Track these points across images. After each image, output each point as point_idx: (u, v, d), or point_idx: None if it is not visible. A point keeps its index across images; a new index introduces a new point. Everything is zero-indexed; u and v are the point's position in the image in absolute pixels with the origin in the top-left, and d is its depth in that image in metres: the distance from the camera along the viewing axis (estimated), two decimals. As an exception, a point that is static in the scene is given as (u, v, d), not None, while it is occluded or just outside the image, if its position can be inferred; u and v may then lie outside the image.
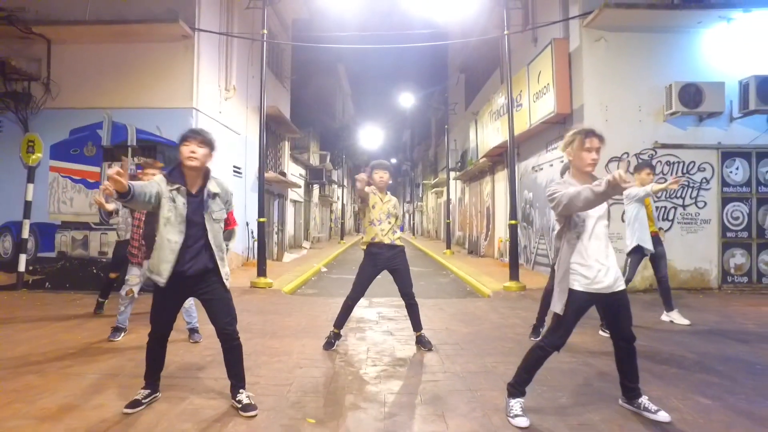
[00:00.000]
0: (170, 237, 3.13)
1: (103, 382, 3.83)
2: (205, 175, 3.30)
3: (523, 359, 3.24)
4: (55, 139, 9.19)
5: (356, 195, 5.02)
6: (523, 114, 11.20)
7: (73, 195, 9.19)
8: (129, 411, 3.21)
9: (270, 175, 14.26)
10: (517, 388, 3.21)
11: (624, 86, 8.98)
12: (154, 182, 3.17)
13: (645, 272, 8.72)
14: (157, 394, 3.45)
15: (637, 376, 3.28)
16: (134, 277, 5.20)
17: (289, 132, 17.25)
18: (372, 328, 5.96)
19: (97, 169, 9.18)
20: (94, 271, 9.05)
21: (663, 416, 3.14)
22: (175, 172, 3.22)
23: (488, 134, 14.91)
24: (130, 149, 9.11)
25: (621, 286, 3.11)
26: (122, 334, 5.25)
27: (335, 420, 3.16)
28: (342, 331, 5.19)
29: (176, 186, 3.18)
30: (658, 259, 6.00)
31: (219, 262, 3.27)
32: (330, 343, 4.98)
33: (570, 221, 3.13)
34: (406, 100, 24.65)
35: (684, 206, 8.99)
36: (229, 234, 3.80)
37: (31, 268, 9.09)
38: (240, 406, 3.24)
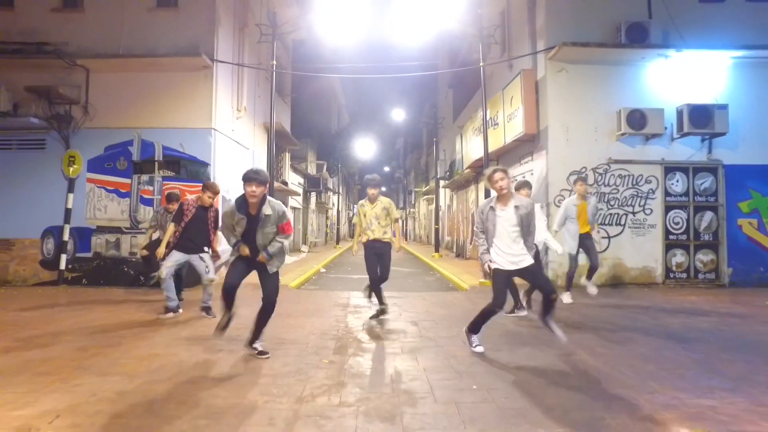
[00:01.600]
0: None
1: (168, 342, 5.26)
2: (262, 201, 4.68)
3: (479, 314, 4.83)
4: (92, 155, 10.60)
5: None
6: (499, 132, 12.74)
7: (107, 203, 10.59)
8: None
9: (274, 184, 15.70)
10: (472, 329, 4.88)
11: (583, 110, 10.51)
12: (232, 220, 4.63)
13: (601, 269, 10.26)
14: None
15: (549, 311, 4.86)
16: (169, 261, 6.58)
17: (289, 144, 18.72)
18: (366, 311, 7.40)
19: (128, 181, 10.59)
20: (125, 269, 10.44)
21: (561, 336, 4.84)
22: (241, 201, 4.62)
23: (472, 147, 16.43)
24: (156, 163, 10.54)
25: (527, 262, 4.73)
26: (170, 314, 6.65)
27: (342, 360, 4.61)
28: (361, 309, 6.95)
29: (242, 216, 4.59)
30: (587, 251, 7.65)
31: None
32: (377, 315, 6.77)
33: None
34: (398, 114, 26.23)
35: (634, 213, 10.50)
36: (284, 237, 4.97)
37: (70, 266, 10.47)
38: (257, 351, 4.71)
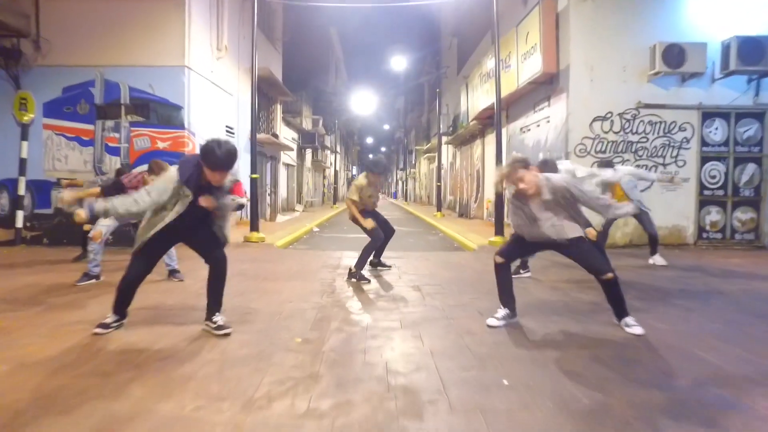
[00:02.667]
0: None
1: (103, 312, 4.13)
2: None
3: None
4: (47, 97, 9.27)
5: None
6: (511, 75, 11.34)
7: (67, 152, 9.33)
8: (99, 331, 3.52)
9: (262, 136, 14.37)
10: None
11: (609, 46, 9.12)
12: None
13: (625, 229, 9.10)
14: (124, 321, 3.69)
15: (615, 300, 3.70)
16: (105, 220, 5.31)
17: (281, 95, 17.26)
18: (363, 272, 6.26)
19: (90, 127, 9.30)
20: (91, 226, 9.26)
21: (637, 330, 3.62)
22: (191, 174, 3.39)
23: (478, 97, 15.02)
24: (123, 107, 9.22)
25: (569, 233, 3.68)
26: (91, 280, 5.42)
27: (320, 339, 3.48)
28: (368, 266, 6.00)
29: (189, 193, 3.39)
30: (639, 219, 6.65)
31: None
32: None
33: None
34: (399, 63, 24.52)
35: (665, 165, 9.26)
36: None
37: (28, 224, 9.30)
38: (215, 326, 3.55)
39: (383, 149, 59.93)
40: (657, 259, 7.00)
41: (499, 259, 3.84)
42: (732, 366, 2.97)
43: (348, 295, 4.96)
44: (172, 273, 5.64)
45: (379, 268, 6.38)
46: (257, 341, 3.40)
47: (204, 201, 3.40)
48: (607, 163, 6.84)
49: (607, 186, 6.37)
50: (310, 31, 24.42)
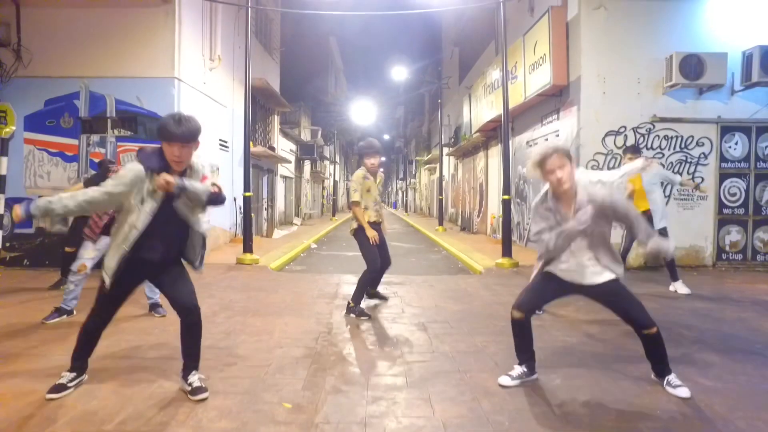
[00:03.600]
0: None
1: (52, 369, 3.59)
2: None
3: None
4: (29, 110, 8.77)
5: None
6: (518, 86, 10.87)
7: (50, 168, 8.82)
8: (53, 396, 2.96)
9: (258, 149, 13.89)
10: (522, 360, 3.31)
11: (623, 57, 8.67)
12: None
13: (639, 249, 8.56)
14: (84, 377, 3.19)
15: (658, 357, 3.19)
16: (89, 251, 4.84)
17: (278, 106, 16.79)
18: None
19: (75, 142, 8.80)
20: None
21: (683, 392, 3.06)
22: (155, 162, 2.87)
23: (482, 108, 14.57)
24: (109, 121, 8.73)
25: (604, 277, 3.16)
26: (63, 317, 4.83)
27: (313, 405, 2.94)
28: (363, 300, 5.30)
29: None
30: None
31: None
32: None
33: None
34: (399, 73, 24.10)
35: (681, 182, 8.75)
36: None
37: (8, 244, 8.76)
38: (190, 389, 3.00)
39: (383, 159, 59.53)
40: (679, 287, 6.46)
41: (518, 314, 3.20)
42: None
43: (346, 337, 4.42)
44: (153, 307, 5.09)
45: (375, 300, 5.76)
46: (239, 408, 2.86)
47: (162, 177, 2.81)
48: (634, 149, 6.31)
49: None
50: (308, 40, 24.08)
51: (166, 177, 2.77)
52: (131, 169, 2.83)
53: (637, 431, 2.63)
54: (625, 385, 3.25)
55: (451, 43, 22.41)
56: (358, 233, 5.12)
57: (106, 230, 4.74)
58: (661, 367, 3.17)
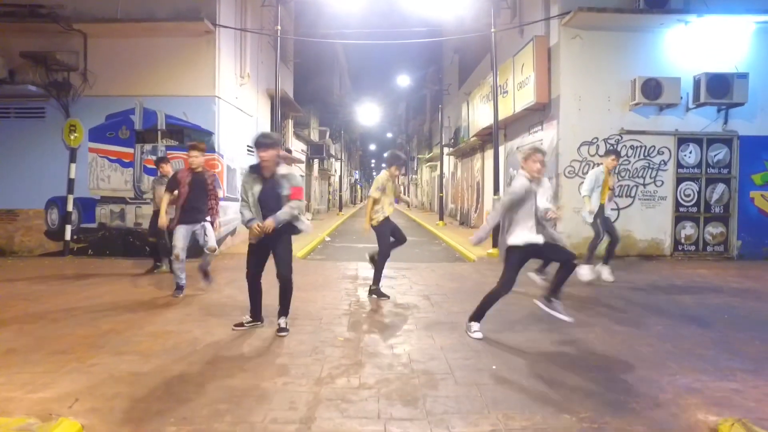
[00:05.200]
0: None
1: (184, 317, 5.23)
2: (276, 165, 4.58)
3: (483, 299, 4.69)
4: (93, 124, 10.38)
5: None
6: (508, 99, 12.45)
7: (110, 173, 10.44)
8: (236, 329, 4.74)
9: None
10: (476, 317, 4.71)
11: (596, 79, 10.22)
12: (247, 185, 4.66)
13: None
14: (258, 322, 4.90)
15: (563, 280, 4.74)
16: (179, 243, 6.24)
17: (292, 111, 18.39)
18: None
19: (130, 150, 10.42)
20: (131, 239, 10.38)
21: (567, 317, 4.69)
22: (255, 167, 4.63)
23: (479, 115, 16.13)
24: (159, 132, 10.35)
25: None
26: (182, 293, 6.50)
27: (357, 338, 4.58)
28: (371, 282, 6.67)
29: (255, 176, 4.60)
30: (606, 222, 7.64)
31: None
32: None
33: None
34: (402, 80, 25.67)
35: (644, 185, 10.35)
36: (295, 205, 4.73)
37: (75, 237, 10.40)
38: (278, 327, 4.67)
39: (385, 155, 60.87)
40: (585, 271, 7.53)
41: (504, 292, 4.53)
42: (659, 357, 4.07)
43: (370, 304, 6.06)
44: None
45: (374, 296, 6.59)
46: (311, 340, 4.50)
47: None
48: (617, 152, 8.02)
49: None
50: (316, 45, 25.56)
51: (270, 222, 4.52)
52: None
53: (564, 355, 4.25)
54: (564, 332, 4.87)
55: (452, 50, 23.93)
56: (378, 227, 6.45)
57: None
58: (556, 293, 4.77)
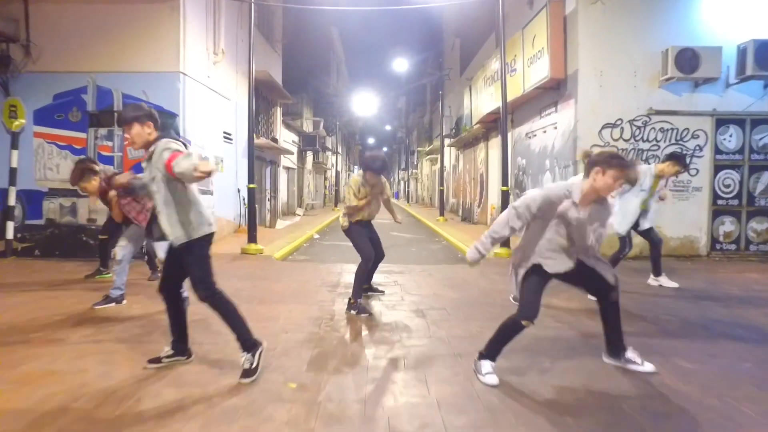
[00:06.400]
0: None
1: (87, 348, 3.83)
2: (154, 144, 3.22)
3: (497, 330, 3.28)
4: (38, 104, 8.97)
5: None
6: (517, 79, 11.02)
7: (59, 161, 9.04)
8: (150, 366, 3.40)
9: (261, 141, 14.09)
10: (488, 354, 3.30)
11: (620, 50, 8.81)
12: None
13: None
14: (181, 357, 3.51)
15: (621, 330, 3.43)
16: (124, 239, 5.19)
17: (281, 97, 16.96)
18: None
19: (83, 135, 9.00)
20: (84, 238, 8.99)
21: (648, 367, 3.33)
22: None
23: (482, 100, 14.71)
24: (116, 114, 8.93)
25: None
26: (113, 304, 5.15)
27: (316, 384, 3.18)
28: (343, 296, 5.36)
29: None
30: (648, 232, 6.16)
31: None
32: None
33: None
34: (401, 65, 24.23)
35: (676, 174, 8.91)
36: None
37: (19, 235, 9.00)
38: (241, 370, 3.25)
39: (385, 149, 59.61)
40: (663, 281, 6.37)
41: (528, 323, 3.11)
42: (775, 423, 2.66)
43: (348, 323, 4.66)
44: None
45: (370, 293, 5.82)
46: (248, 387, 3.10)
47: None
48: (679, 159, 6.05)
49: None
50: (310, 32, 24.11)
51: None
52: None
53: (618, 410, 2.85)
54: (609, 368, 3.47)
55: (453, 34, 22.47)
56: (349, 230, 5.26)
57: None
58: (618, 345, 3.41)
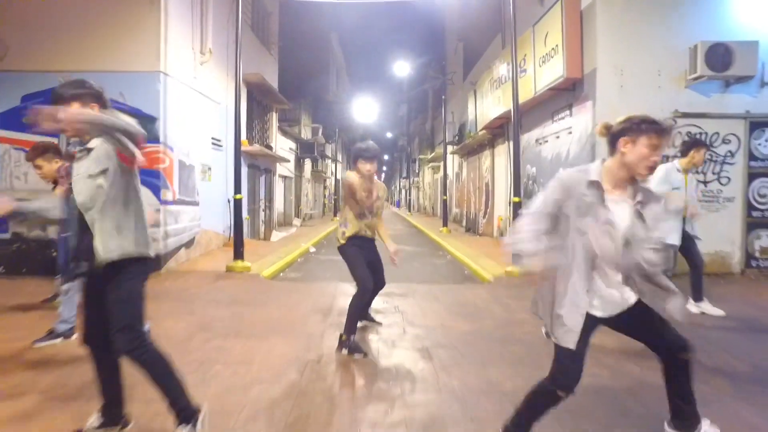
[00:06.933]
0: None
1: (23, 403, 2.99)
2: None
3: (525, 400, 2.39)
4: (4, 107, 8.20)
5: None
6: (527, 80, 10.22)
7: (27, 169, 8.19)
8: None
9: (255, 148, 13.31)
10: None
11: (642, 48, 8.01)
12: None
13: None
14: (112, 427, 2.62)
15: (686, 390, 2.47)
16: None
17: (276, 103, 16.19)
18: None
19: (54, 141, 8.16)
20: (54, 254, 8.14)
21: None
22: None
23: (488, 105, 13.92)
24: (51, 93, 8.14)
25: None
26: (59, 340, 4.33)
27: (289, 473, 2.33)
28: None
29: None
30: (688, 246, 5.30)
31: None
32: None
33: None
34: (402, 68, 23.47)
35: (705, 182, 8.11)
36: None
37: (-18, 250, 8.20)
38: None
39: (386, 156, 58.96)
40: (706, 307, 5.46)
41: (563, 393, 2.24)
42: None
43: (337, 368, 3.80)
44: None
45: (365, 322, 4.99)
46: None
47: None
48: (695, 143, 5.35)
49: None
50: (309, 36, 23.46)
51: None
52: None
53: None
54: None
55: (456, 38, 21.74)
56: (344, 249, 4.38)
57: None
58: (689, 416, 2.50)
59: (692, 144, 5.33)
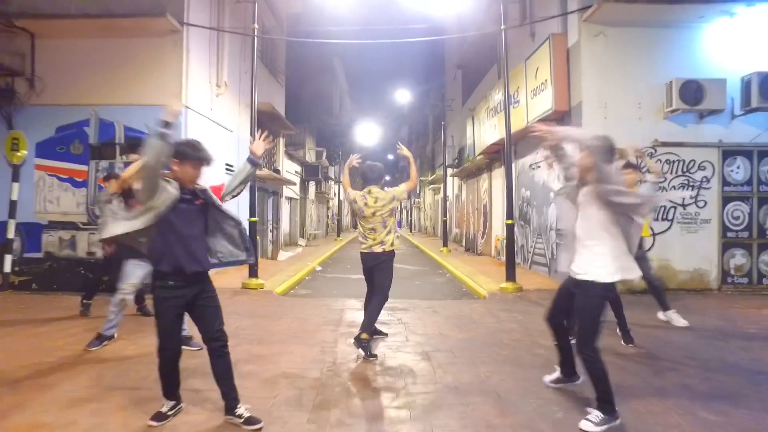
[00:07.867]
0: None
1: (79, 396, 3.64)
2: None
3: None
4: (40, 137, 8.95)
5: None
6: (520, 111, 11.00)
7: (60, 194, 8.96)
8: (154, 424, 3.13)
9: (264, 172, 14.05)
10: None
11: (623, 83, 8.78)
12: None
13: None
14: (182, 404, 3.36)
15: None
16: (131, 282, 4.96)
17: (283, 128, 17.00)
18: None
19: (84, 168, 8.95)
20: (82, 271, 8.83)
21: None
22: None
23: (485, 131, 14.71)
24: (118, 147, 8.90)
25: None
26: (105, 343, 5.00)
27: (318, 439, 2.98)
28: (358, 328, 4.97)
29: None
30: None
31: None
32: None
33: None
34: (403, 96, 24.43)
35: (684, 205, 8.80)
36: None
37: (17, 269, 8.86)
38: (242, 420, 3.11)
39: (388, 177, 59.69)
40: (672, 317, 6.05)
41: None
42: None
43: (351, 367, 4.45)
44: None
45: (374, 336, 5.31)
46: (244, 444, 2.91)
47: None
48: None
49: None
50: (313, 63, 24.42)
51: None
52: None
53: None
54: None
55: (454, 65, 22.70)
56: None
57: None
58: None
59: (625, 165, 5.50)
